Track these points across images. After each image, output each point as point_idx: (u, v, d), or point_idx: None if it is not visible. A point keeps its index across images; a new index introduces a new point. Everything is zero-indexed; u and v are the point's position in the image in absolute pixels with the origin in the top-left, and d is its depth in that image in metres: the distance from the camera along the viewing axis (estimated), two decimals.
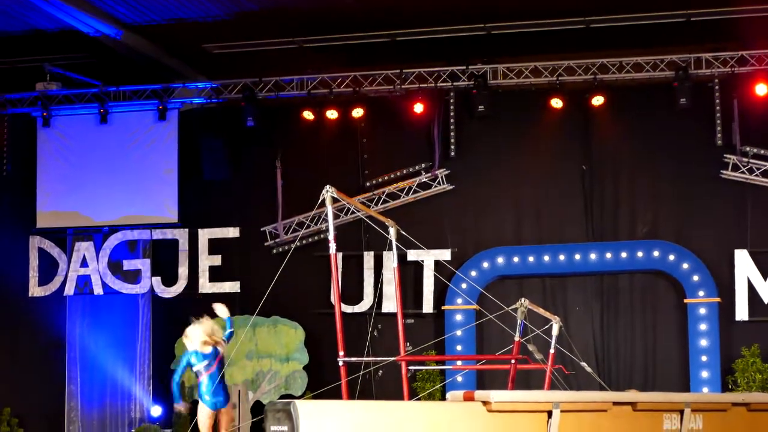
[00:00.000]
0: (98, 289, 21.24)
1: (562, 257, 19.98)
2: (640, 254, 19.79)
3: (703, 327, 19.36)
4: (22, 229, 21.52)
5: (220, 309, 13.08)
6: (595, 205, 20.15)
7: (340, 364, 11.00)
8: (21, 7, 18.43)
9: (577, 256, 19.97)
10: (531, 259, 20.05)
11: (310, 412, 4.80)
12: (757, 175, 19.44)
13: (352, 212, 19.06)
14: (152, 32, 19.74)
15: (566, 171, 20.26)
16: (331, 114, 20.48)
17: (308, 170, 20.01)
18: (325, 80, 20.46)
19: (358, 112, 20.35)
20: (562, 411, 5.78)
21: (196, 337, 12.99)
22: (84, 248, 21.38)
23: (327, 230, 10.72)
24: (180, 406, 12.59)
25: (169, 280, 21.27)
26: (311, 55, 20.41)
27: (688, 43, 19.43)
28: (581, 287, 20.09)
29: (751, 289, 19.46)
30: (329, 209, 10.76)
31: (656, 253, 19.73)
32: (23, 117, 21.59)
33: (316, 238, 20.23)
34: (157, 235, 21.33)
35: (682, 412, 6.59)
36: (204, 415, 12.74)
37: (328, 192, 10.68)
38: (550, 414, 5.73)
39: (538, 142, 20.26)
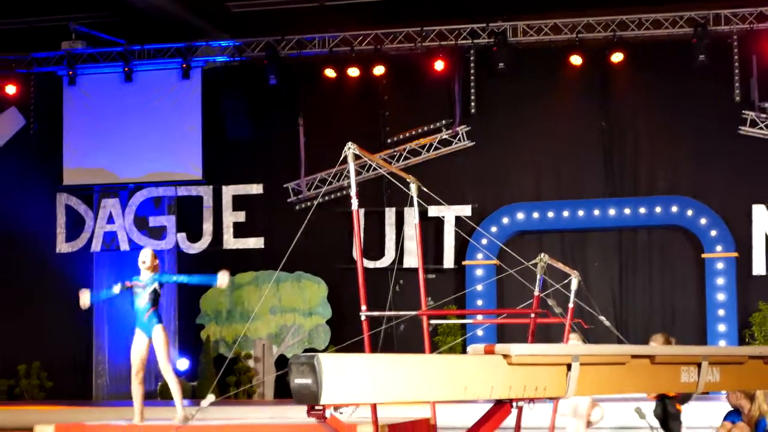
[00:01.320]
0: (124, 245, 21.35)
1: (581, 213, 19.98)
2: (658, 210, 19.78)
3: (720, 281, 19.37)
4: (50, 186, 21.62)
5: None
6: (614, 162, 20.14)
7: (363, 318, 11.00)
8: None
9: (596, 212, 19.95)
10: (550, 214, 20.06)
11: (333, 365, 4.82)
12: None
13: (374, 169, 18.96)
14: None
15: (585, 128, 20.23)
16: (353, 72, 20.49)
17: (330, 127, 20.01)
18: (347, 38, 20.46)
19: (379, 70, 20.34)
20: (581, 364, 5.79)
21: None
22: (110, 205, 21.49)
23: (349, 187, 10.70)
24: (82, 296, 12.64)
25: (194, 236, 21.39)
26: (333, 13, 20.35)
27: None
28: (600, 242, 20.10)
29: None
30: (351, 166, 10.71)
31: (674, 209, 19.71)
32: (49, 75, 21.67)
33: (338, 194, 20.25)
34: (182, 191, 21.42)
35: (699, 365, 6.59)
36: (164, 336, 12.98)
37: (350, 149, 10.64)
38: (569, 367, 5.75)
39: (558, 99, 20.24)
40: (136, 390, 12.59)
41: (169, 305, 21.27)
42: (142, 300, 12.65)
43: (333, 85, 20.71)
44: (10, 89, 21.62)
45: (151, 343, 12.63)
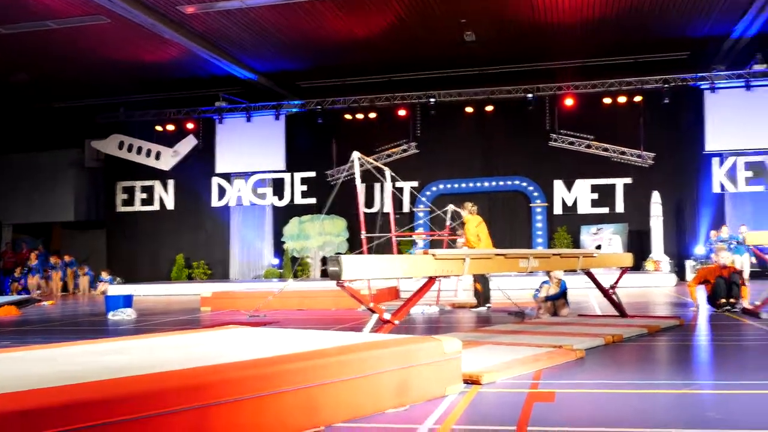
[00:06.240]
0: (246, 203, 21.10)
1: (471, 184, 19.81)
2: (509, 183, 19.65)
3: (539, 218, 19.32)
4: (208, 174, 21.37)
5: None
6: (488, 158, 19.93)
7: (362, 237, 10.88)
8: (205, 65, 18.26)
9: (479, 184, 19.80)
10: (456, 185, 19.88)
11: (349, 260, 4.67)
12: (567, 144, 19.20)
13: (368, 164, 18.92)
14: (272, 76, 19.58)
15: (473, 141, 20.01)
16: (359, 116, 20.22)
17: (347, 143, 19.64)
18: (356, 100, 20.14)
19: (372, 115, 20.06)
20: (471, 258, 5.63)
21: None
22: (240, 183, 21.19)
23: (355, 172, 10.48)
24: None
25: (280, 197, 21.12)
26: (350, 87, 20.17)
27: (532, 80, 19.12)
28: (482, 199, 19.92)
29: (562, 199, 19.38)
30: (356, 163, 10.56)
31: (517, 182, 19.57)
32: (208, 119, 21.31)
33: (351, 176, 19.94)
34: (275, 175, 21.12)
35: (529, 258, 6.44)
36: None
37: (356, 154, 10.52)
38: (464, 260, 5.59)
39: (460, 128, 20.03)
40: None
41: (268, 232, 21.07)
42: None
43: (349, 123, 20.39)
44: (189, 125, 21.25)
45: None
